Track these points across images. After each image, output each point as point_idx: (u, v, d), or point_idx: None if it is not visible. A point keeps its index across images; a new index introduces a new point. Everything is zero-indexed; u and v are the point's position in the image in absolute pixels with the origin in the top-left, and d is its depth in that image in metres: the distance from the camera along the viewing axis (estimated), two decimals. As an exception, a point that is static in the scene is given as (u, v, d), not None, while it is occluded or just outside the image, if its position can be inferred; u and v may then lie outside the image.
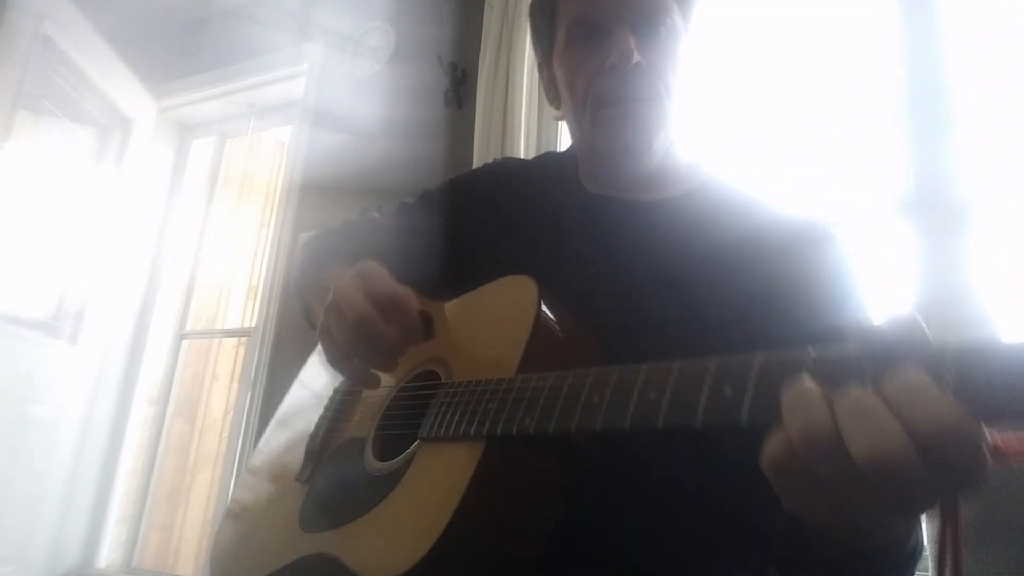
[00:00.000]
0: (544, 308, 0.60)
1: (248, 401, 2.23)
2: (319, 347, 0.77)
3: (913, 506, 0.33)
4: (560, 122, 1.86)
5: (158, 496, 2.70)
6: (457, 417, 0.56)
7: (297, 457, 0.76)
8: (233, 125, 2.96)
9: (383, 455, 0.64)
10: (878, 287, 1.37)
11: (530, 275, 0.65)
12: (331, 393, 0.80)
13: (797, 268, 0.65)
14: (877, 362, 0.34)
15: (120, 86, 2.62)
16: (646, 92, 0.70)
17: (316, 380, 0.87)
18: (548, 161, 0.90)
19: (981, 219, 1.39)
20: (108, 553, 2.50)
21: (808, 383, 0.34)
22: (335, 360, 0.59)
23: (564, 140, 1.90)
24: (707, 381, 0.40)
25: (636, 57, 0.68)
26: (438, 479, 0.55)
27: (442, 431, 0.56)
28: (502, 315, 0.64)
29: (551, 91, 0.82)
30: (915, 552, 0.50)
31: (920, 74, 1.51)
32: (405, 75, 2.29)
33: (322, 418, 0.77)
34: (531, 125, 1.85)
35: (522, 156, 1.79)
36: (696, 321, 0.63)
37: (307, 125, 2.45)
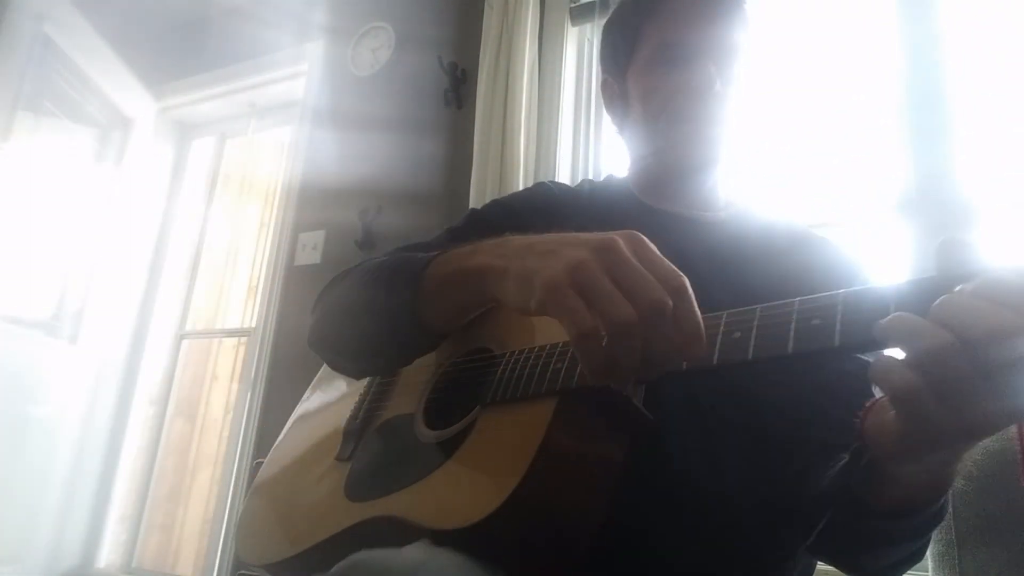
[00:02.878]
0: None
1: (248, 401, 2.23)
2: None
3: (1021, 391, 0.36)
4: (560, 126, 1.88)
5: (158, 496, 2.70)
6: (524, 379, 0.56)
7: (335, 439, 0.75)
8: (233, 125, 2.96)
9: (435, 426, 0.64)
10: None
11: None
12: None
13: (802, 264, 0.74)
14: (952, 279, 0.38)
15: (120, 86, 2.62)
16: (720, 116, 0.77)
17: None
18: (596, 184, 0.93)
19: (981, 218, 1.39)
20: (108, 553, 2.50)
21: (911, 316, 0.37)
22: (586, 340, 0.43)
23: (564, 139, 1.90)
24: (793, 316, 0.43)
25: (718, 86, 0.76)
26: (508, 436, 0.55)
27: (508, 393, 0.57)
28: None
29: (617, 104, 0.87)
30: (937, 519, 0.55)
31: (920, 73, 1.51)
32: (405, 75, 2.29)
33: (360, 400, 0.77)
34: (531, 125, 1.85)
35: (521, 155, 1.79)
36: None
37: (307, 125, 2.45)
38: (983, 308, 0.35)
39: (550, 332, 0.60)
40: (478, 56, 1.99)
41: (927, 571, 0.94)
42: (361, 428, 0.73)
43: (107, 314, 2.59)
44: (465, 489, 0.54)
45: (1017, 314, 0.34)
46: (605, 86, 0.90)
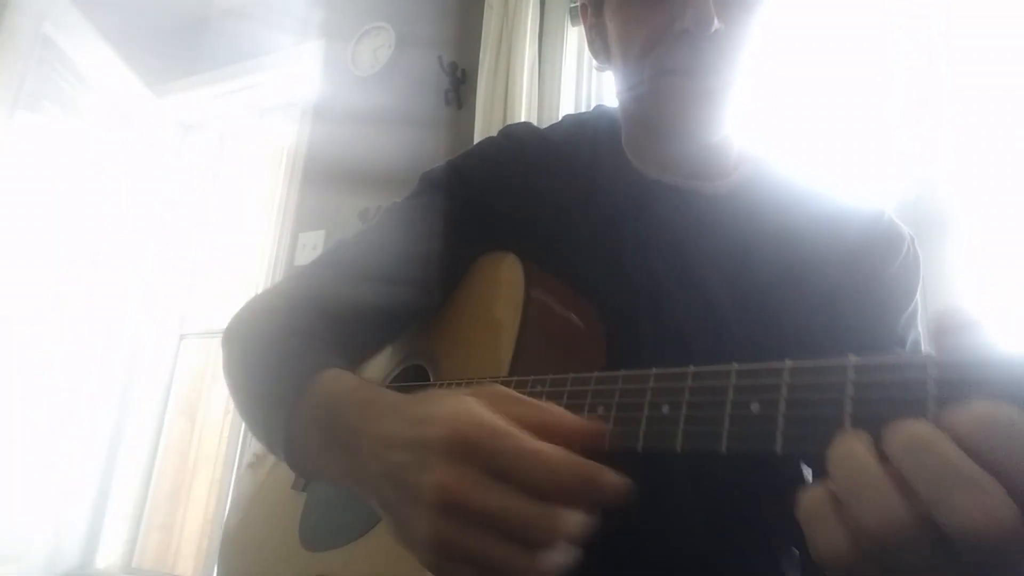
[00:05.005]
0: (533, 285, 0.55)
1: (248, 401, 2.23)
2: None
3: None
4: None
5: (158, 496, 2.69)
6: None
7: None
8: (233, 125, 2.95)
9: None
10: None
11: (587, 265, 0.60)
12: None
13: (868, 272, 0.61)
14: (944, 389, 0.25)
15: (120, 86, 2.61)
16: (722, 65, 0.58)
17: None
18: (577, 129, 0.74)
19: (977, 222, 1.39)
20: (108, 553, 2.50)
21: (858, 444, 0.26)
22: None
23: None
24: (729, 395, 0.33)
25: (716, 23, 0.56)
26: None
27: None
28: (489, 297, 0.59)
29: (596, 41, 0.70)
30: None
31: (919, 73, 1.51)
32: (405, 75, 2.29)
33: None
34: (531, 125, 1.85)
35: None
36: (771, 326, 0.58)
37: (307, 125, 2.45)
38: (967, 472, 0.23)
39: (481, 344, 0.55)
40: (478, 56, 1.99)
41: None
42: None
43: (107, 314, 2.59)
44: (394, 563, 0.49)
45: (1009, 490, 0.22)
46: (583, 14, 0.71)
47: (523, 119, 1.82)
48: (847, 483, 0.26)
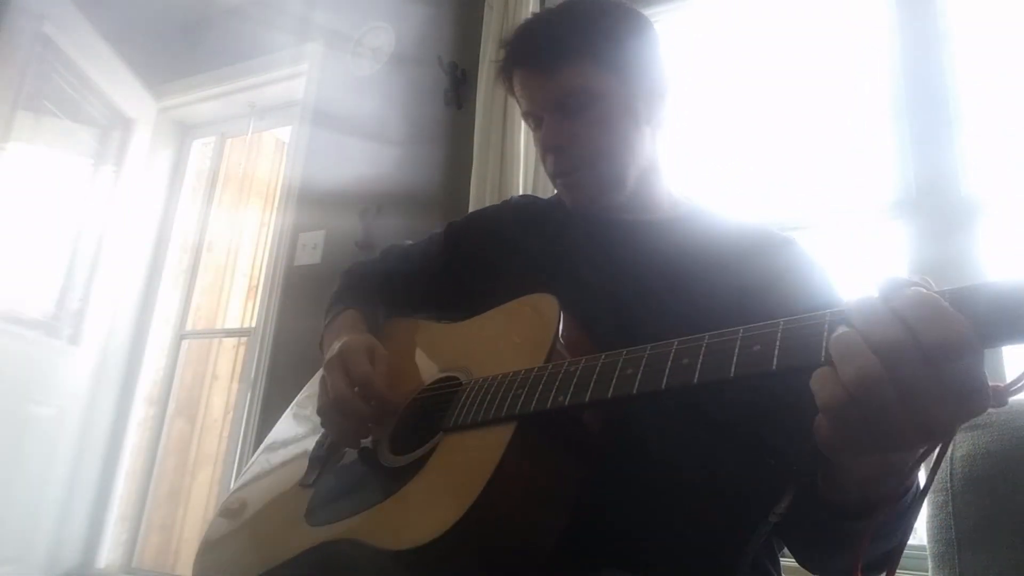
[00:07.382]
0: (564, 321, 0.65)
1: (248, 401, 2.23)
2: (313, 380, 0.93)
3: (931, 427, 0.39)
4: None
5: (158, 496, 2.70)
6: (486, 405, 0.58)
7: (300, 466, 0.77)
8: (233, 125, 2.95)
9: (399, 451, 0.66)
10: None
11: (532, 287, 0.72)
12: None
13: (762, 270, 0.75)
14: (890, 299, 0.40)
15: (120, 86, 2.62)
16: (576, 164, 0.82)
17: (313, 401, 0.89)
18: (556, 198, 1.02)
19: (983, 215, 1.39)
20: (108, 553, 2.50)
21: (852, 334, 0.40)
22: (320, 412, 0.75)
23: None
24: (737, 343, 0.46)
25: (555, 140, 0.81)
26: (467, 459, 0.57)
27: (470, 419, 0.59)
28: (525, 328, 0.69)
29: None
30: (916, 500, 0.55)
31: (919, 69, 1.51)
32: (405, 75, 2.29)
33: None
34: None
35: (521, 155, 1.79)
36: (697, 310, 0.69)
37: (307, 125, 2.45)
38: (901, 339, 0.38)
39: (514, 360, 0.63)
40: (478, 56, 1.99)
41: (927, 571, 0.94)
42: (327, 455, 0.76)
43: (107, 314, 2.59)
44: (422, 509, 0.56)
45: (914, 339, 0.37)
46: None
47: (522, 119, 1.82)
48: (839, 361, 0.40)
